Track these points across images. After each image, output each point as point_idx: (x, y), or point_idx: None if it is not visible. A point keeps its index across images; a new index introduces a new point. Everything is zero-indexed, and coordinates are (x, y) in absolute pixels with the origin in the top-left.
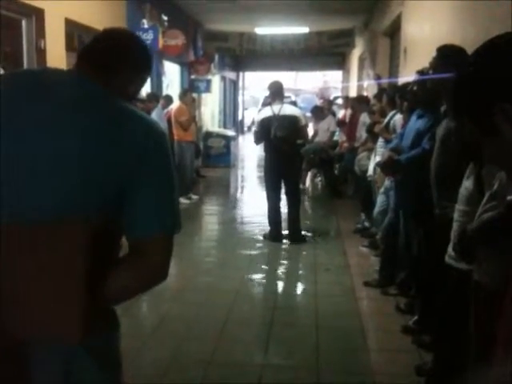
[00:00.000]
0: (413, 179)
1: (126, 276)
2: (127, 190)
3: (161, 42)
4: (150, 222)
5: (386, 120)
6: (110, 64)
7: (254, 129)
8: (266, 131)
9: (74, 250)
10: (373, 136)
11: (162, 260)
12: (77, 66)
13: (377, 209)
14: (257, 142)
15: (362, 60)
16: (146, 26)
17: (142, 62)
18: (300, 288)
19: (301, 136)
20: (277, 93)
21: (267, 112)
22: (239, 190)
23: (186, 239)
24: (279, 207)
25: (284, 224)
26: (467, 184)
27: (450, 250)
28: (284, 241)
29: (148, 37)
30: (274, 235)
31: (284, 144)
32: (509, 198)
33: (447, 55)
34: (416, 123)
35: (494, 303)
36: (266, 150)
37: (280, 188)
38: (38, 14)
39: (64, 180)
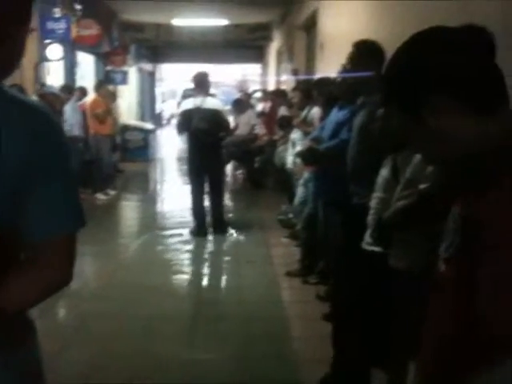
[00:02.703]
0: (331, 169)
1: (28, 282)
2: (22, 190)
3: (74, 32)
4: (50, 224)
5: (304, 113)
6: None
7: (176, 119)
8: (187, 123)
9: None
10: (284, 128)
11: (65, 262)
12: None
13: (297, 200)
14: (179, 132)
15: (280, 54)
16: (57, 15)
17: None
18: (224, 281)
19: (223, 129)
20: (201, 84)
21: (189, 104)
22: (159, 185)
23: (104, 235)
24: (203, 200)
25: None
26: (384, 172)
27: (366, 237)
28: (208, 234)
29: (60, 26)
30: (198, 229)
31: (206, 136)
32: (421, 187)
33: (363, 50)
34: (336, 115)
35: (414, 289)
36: (188, 142)
37: (203, 181)
38: None
39: None
